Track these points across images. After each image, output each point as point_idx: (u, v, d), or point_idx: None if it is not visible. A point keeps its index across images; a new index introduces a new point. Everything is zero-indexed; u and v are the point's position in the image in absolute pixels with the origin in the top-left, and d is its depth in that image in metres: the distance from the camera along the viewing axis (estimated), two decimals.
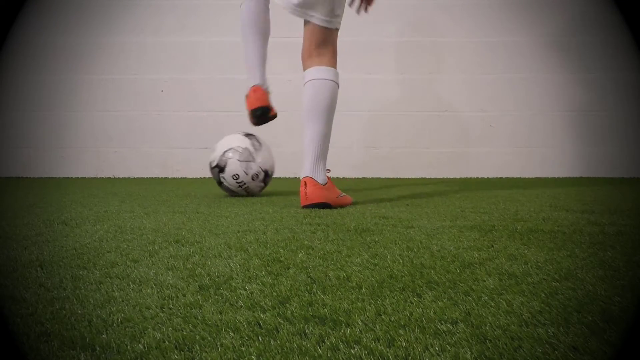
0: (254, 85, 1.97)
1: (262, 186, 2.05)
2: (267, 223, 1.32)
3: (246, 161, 1.96)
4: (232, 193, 2.05)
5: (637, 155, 3.51)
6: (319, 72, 1.72)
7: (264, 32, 1.97)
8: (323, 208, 1.64)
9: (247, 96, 2.01)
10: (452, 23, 3.54)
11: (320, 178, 1.69)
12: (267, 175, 2.03)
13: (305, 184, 1.66)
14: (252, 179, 1.97)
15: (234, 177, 1.97)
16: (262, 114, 1.96)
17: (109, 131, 3.61)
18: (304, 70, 1.76)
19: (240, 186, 2.00)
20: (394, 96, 3.54)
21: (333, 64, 1.75)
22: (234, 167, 1.97)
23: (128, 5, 3.58)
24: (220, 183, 2.03)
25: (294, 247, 0.99)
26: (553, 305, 0.63)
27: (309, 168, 1.68)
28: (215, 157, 2.02)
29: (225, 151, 2.00)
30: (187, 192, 2.30)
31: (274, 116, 2.01)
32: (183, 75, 3.59)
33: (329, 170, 1.76)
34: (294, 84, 3.46)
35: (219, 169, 2.00)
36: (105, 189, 2.56)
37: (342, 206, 1.71)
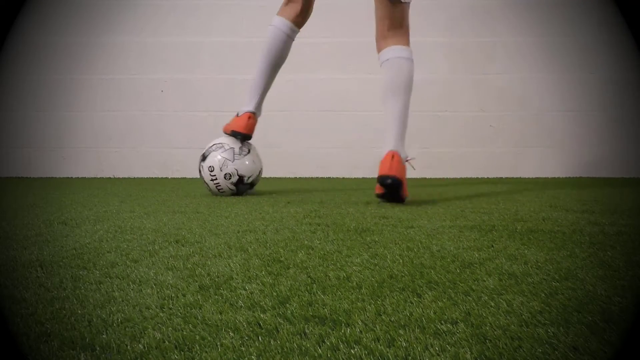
0: (248, 112, 2.06)
1: (233, 190, 2.04)
2: (267, 223, 1.32)
3: (225, 158, 1.99)
4: (207, 187, 2.08)
5: (637, 155, 3.51)
6: (396, 51, 1.80)
7: (277, 62, 2.05)
8: (396, 187, 1.68)
9: (237, 116, 2.08)
10: (452, 23, 3.54)
11: (403, 155, 1.75)
12: (241, 181, 2.03)
13: (393, 157, 1.71)
14: (225, 178, 1.99)
15: (209, 169, 2.01)
16: (243, 139, 2.05)
17: (109, 131, 3.61)
18: (379, 52, 1.83)
19: (212, 179, 2.02)
20: None
21: (408, 43, 1.83)
22: (212, 159, 2.02)
23: (128, 5, 3.58)
24: (199, 171, 2.08)
25: (294, 247, 0.99)
26: (553, 305, 0.63)
27: (392, 142, 1.74)
28: (205, 147, 2.09)
29: (215, 144, 2.06)
30: (187, 192, 2.30)
31: (248, 137, 2.08)
32: (183, 75, 3.59)
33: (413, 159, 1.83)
34: (294, 84, 3.46)
35: (202, 157, 2.07)
36: (105, 189, 2.56)
37: (404, 197, 1.75)
